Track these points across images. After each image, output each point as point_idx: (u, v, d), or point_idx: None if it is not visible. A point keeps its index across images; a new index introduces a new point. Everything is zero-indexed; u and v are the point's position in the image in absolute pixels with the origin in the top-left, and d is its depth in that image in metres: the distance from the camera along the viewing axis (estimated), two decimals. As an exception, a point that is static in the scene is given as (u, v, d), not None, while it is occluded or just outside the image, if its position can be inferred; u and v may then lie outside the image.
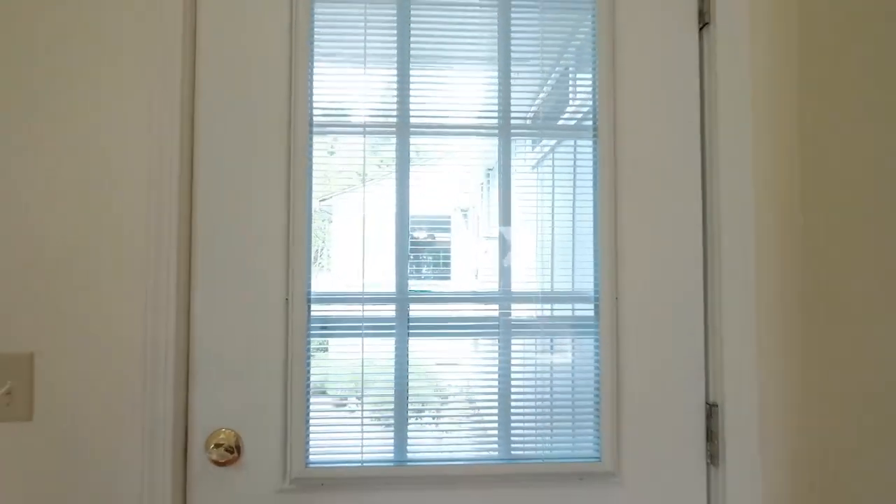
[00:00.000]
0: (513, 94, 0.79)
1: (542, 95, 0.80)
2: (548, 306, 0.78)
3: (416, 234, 0.79)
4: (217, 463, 0.73)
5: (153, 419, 0.70)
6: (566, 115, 0.81)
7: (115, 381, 0.71)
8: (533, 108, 0.80)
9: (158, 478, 0.70)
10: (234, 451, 0.73)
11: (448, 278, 0.80)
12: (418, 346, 0.77)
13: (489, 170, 0.81)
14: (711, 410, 0.77)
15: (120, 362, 0.71)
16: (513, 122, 0.79)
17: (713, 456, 0.77)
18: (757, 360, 0.76)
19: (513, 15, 0.79)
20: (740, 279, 0.76)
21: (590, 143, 0.79)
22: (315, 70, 0.77)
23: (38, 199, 0.71)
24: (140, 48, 0.72)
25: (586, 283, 0.79)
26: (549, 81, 0.80)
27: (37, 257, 0.71)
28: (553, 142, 0.80)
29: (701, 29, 0.80)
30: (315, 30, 0.77)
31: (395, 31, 0.78)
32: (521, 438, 0.76)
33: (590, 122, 0.79)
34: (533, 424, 0.76)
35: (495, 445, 0.76)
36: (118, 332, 0.71)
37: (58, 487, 0.70)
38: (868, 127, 0.66)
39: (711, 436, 0.77)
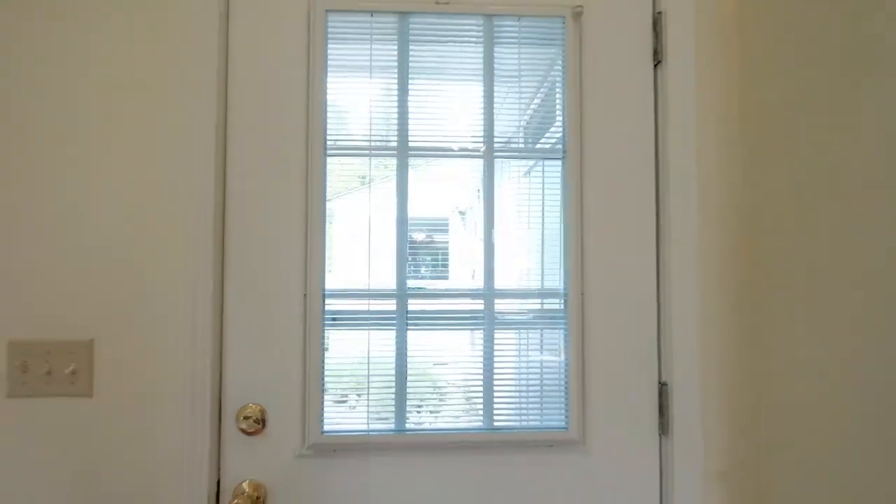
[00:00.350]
0: (496, 123, 0.93)
1: (523, 121, 0.94)
2: (525, 301, 0.92)
3: (414, 236, 0.93)
4: (246, 432, 0.87)
5: (193, 395, 0.84)
6: (543, 140, 0.95)
7: (161, 363, 0.85)
8: (517, 133, 0.94)
9: (198, 445, 0.84)
10: (260, 423, 0.87)
11: (445, 277, 0.94)
12: (415, 336, 0.91)
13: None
14: (662, 388, 0.92)
15: (165, 348, 0.85)
16: (496, 145, 0.93)
17: (664, 427, 0.91)
18: (700, 347, 0.90)
19: (495, 49, 0.93)
20: (686, 279, 0.90)
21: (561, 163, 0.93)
22: (329, 103, 0.90)
23: (102, 215, 0.85)
24: (186, 91, 0.86)
25: (558, 282, 0.93)
26: (529, 109, 0.94)
27: (97, 257, 0.84)
28: (531, 162, 0.94)
29: (656, 66, 0.94)
30: (329, 68, 0.90)
31: (395, 73, 0.92)
32: (502, 412, 0.90)
33: (561, 146, 0.93)
34: (512, 400, 0.91)
35: (480, 418, 0.90)
36: (164, 323, 0.85)
37: (113, 452, 0.84)
38: (796, 146, 0.81)
39: (663, 410, 0.91)
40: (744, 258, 0.91)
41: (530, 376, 0.91)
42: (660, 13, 0.93)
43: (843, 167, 0.70)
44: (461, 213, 0.96)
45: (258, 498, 0.86)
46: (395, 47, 0.92)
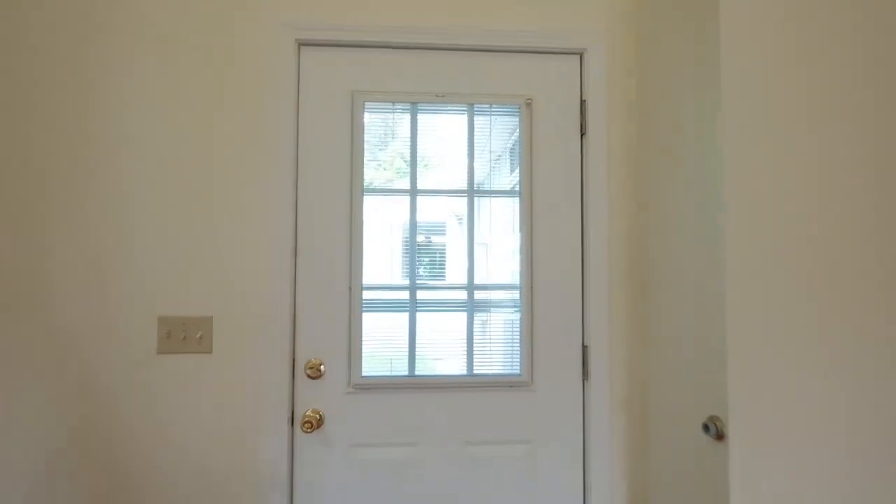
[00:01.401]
0: (476, 171, 1.39)
1: (499, 165, 1.41)
2: (495, 292, 1.39)
3: (419, 240, 1.38)
4: (310, 377, 1.33)
5: (277, 354, 1.30)
6: (511, 176, 1.41)
7: (256, 332, 1.30)
8: (492, 174, 1.40)
9: (281, 384, 1.30)
10: (319, 371, 1.33)
11: (442, 277, 1.40)
12: (422, 316, 1.37)
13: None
14: (585, 349, 1.39)
15: (258, 323, 1.30)
16: (476, 187, 1.39)
17: (585, 374, 1.38)
18: (608, 321, 1.38)
19: (475, 119, 1.39)
20: (601, 277, 1.37)
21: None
22: (365, 161, 1.36)
23: (218, 238, 1.30)
24: (273, 150, 1.32)
25: (517, 279, 1.39)
26: (507, 148, 1.41)
27: (216, 262, 1.30)
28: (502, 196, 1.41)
29: (582, 136, 1.41)
30: (365, 137, 1.36)
31: (409, 140, 1.38)
32: (479, 363, 1.37)
33: (519, 189, 1.40)
34: (486, 356, 1.37)
35: (464, 367, 1.37)
36: (258, 306, 1.30)
37: (227, 389, 1.29)
38: (667, 194, 1.28)
39: (584, 363, 1.39)
40: (636, 265, 1.39)
41: (498, 341, 1.38)
42: (584, 101, 1.40)
43: (686, 204, 1.17)
44: (458, 218, 1.41)
45: (319, 419, 1.32)
46: (409, 123, 1.38)
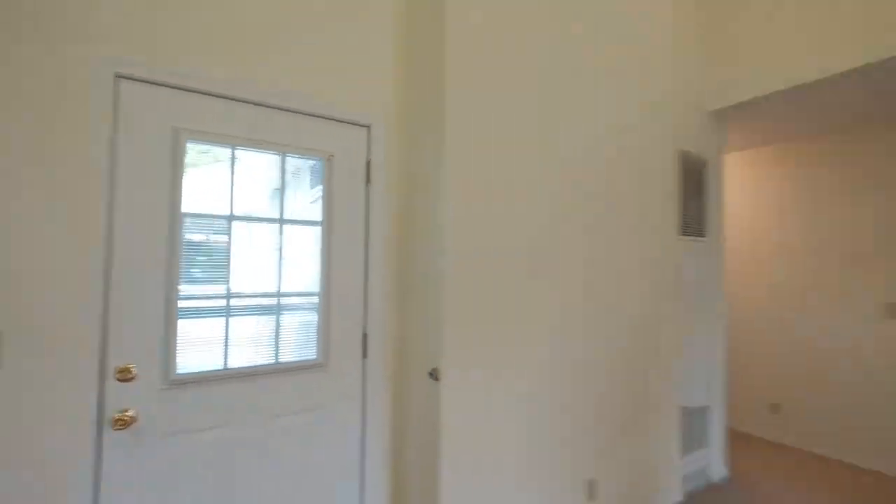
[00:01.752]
0: (285, 204, 1.78)
1: (296, 181, 1.82)
2: (300, 298, 1.81)
3: (232, 255, 1.68)
4: (121, 380, 1.46)
5: (80, 362, 1.39)
6: (313, 196, 1.85)
7: (56, 344, 1.36)
8: (301, 189, 1.81)
9: (88, 388, 1.40)
10: (131, 373, 1.48)
11: (256, 285, 1.73)
12: (235, 320, 1.67)
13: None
14: (364, 336, 1.96)
15: (60, 335, 1.37)
16: (284, 217, 1.78)
17: (365, 354, 1.95)
18: (382, 314, 1.98)
19: (287, 160, 1.78)
20: (378, 285, 1.97)
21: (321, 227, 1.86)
22: (183, 188, 1.57)
23: (18, 260, 1.30)
24: (87, 180, 1.39)
25: (317, 287, 1.85)
26: (300, 172, 1.83)
27: (7, 281, 1.29)
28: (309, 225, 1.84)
29: (367, 184, 1.98)
30: (186, 167, 1.57)
31: (229, 170, 1.66)
32: (285, 353, 1.77)
33: (321, 220, 1.86)
34: (290, 346, 1.78)
35: (273, 357, 1.74)
36: (62, 320, 1.36)
37: (19, 404, 1.31)
38: (421, 221, 1.96)
39: (364, 347, 1.96)
40: (401, 276, 2.05)
41: (300, 333, 1.81)
42: (369, 160, 1.97)
43: (425, 232, 1.87)
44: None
45: (131, 417, 1.47)
46: (229, 162, 1.66)
